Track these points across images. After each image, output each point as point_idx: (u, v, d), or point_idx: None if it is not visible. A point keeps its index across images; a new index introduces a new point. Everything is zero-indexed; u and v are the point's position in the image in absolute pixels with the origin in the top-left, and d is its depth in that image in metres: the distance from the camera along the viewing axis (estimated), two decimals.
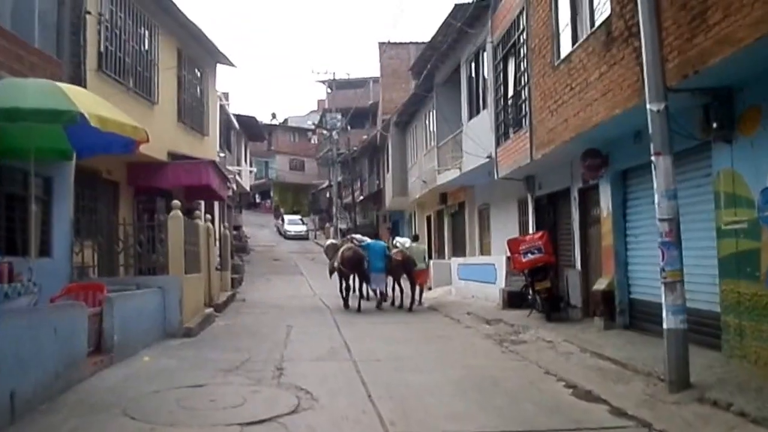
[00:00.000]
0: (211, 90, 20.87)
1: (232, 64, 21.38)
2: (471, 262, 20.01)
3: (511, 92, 15.92)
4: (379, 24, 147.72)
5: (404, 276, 18.52)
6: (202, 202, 23.21)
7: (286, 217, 57.60)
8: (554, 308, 13.83)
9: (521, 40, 14.84)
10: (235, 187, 32.00)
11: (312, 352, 10.84)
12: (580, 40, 11.32)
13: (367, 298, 18.63)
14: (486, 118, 18.04)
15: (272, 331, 13.40)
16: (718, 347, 8.61)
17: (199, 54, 19.51)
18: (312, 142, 73.78)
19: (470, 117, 19.77)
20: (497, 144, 16.82)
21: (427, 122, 26.57)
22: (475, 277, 18.82)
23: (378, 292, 18.27)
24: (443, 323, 15.25)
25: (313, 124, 63.49)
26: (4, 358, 5.82)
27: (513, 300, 16.16)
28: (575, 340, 11.36)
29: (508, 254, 15.01)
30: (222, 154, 25.39)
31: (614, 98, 9.91)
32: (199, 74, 19.69)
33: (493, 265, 17.44)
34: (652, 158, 7.82)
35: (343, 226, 47.46)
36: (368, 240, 19.35)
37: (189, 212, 17.80)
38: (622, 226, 12.11)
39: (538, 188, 16.34)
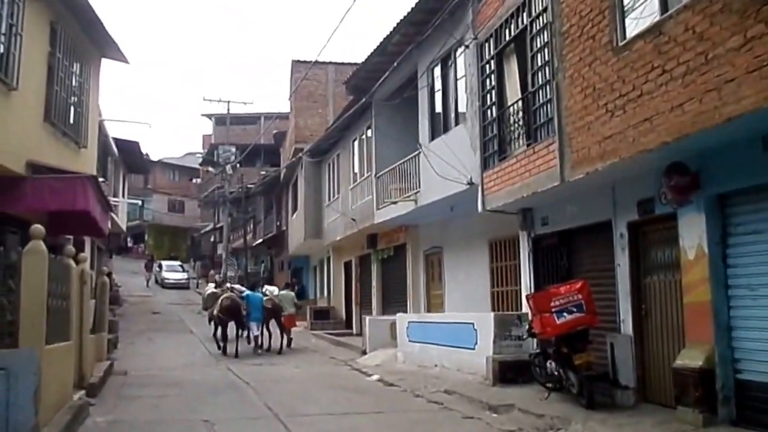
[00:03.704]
0: (93, 90, 15.88)
1: (124, 60, 16.52)
2: (432, 320, 15.77)
3: (513, 96, 12.07)
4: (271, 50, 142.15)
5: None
6: (71, 239, 17.96)
7: (164, 263, 51.65)
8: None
9: (537, 26, 11.09)
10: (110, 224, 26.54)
11: None
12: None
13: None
14: (462, 134, 14.13)
15: None
16: None
17: (80, 39, 14.64)
18: (194, 181, 68.17)
19: (433, 136, 15.81)
20: (484, 166, 12.89)
21: (355, 149, 22.46)
22: (440, 340, 14.62)
23: (253, 338, 19.67)
24: (423, 409, 10.94)
25: (202, 156, 58.08)
26: None
27: (508, 373, 12.16)
28: None
29: (530, 313, 10.96)
30: (102, 179, 20.22)
31: None
32: (78, 66, 14.79)
33: (472, 324, 13.31)
34: None
35: (231, 273, 42.24)
36: (247, 291, 21.10)
37: (56, 249, 13.03)
38: (721, 274, 8.36)
39: (540, 224, 12.51)
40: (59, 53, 13.32)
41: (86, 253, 21.17)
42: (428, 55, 15.64)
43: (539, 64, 11.03)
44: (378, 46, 16.60)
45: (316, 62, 25.53)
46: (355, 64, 24.53)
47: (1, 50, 10.85)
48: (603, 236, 10.66)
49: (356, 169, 22.52)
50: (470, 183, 13.37)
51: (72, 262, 10.94)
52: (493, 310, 15.09)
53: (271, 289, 21.89)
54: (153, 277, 48.86)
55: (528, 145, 11.31)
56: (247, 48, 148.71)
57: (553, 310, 9.90)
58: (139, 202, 47.40)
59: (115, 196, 30.29)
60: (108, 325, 17.50)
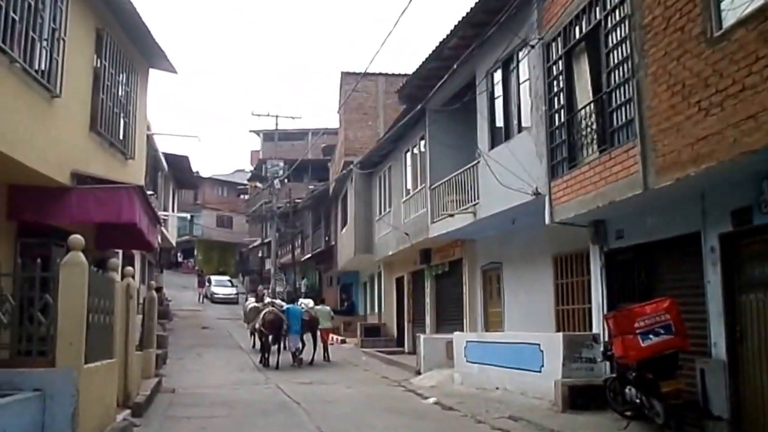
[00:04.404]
0: (140, 100, 15.30)
1: (173, 70, 15.94)
2: (492, 340, 14.77)
3: (584, 99, 11.13)
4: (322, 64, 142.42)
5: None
6: (120, 253, 17.43)
7: (214, 278, 51.66)
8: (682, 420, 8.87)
9: (612, 21, 10.16)
10: (159, 238, 26.06)
11: None
12: None
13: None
14: (526, 142, 13.19)
15: None
16: None
17: (127, 47, 14.10)
18: (242, 197, 68.21)
19: (493, 145, 14.90)
20: (552, 175, 11.96)
21: (408, 161, 21.63)
22: (502, 361, 13.65)
23: (294, 350, 20.08)
24: None
25: (251, 171, 57.96)
26: None
27: (578, 399, 11.12)
28: None
29: (609, 334, 9.96)
30: (151, 193, 19.74)
31: None
32: (125, 75, 14.24)
33: (538, 345, 12.33)
34: None
35: (280, 288, 41.77)
36: (287, 305, 21.50)
37: (101, 263, 12.38)
38: None
39: (614, 237, 11.50)
40: (105, 61, 12.77)
41: (136, 267, 20.75)
42: (488, 59, 14.76)
43: (615, 62, 10.07)
44: (433, 51, 15.72)
45: (366, 73, 24.80)
46: (406, 74, 23.79)
47: (44, 55, 10.28)
48: (689, 250, 9.62)
49: (409, 182, 21.66)
50: (536, 193, 12.41)
51: (116, 276, 10.29)
52: (558, 329, 14.12)
53: (306, 302, 22.65)
54: (205, 292, 48.70)
55: (602, 151, 10.33)
56: (294, 60, 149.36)
57: (638, 331, 8.88)
58: (189, 216, 47.23)
59: (164, 210, 30.04)
60: (157, 340, 16.90)
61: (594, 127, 10.72)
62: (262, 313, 20.12)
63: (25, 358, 7.56)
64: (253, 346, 20.91)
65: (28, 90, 9.39)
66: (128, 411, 10.42)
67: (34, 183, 10.44)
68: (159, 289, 36.35)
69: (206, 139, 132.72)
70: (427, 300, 21.90)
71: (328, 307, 23.82)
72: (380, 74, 29.23)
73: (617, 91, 10.04)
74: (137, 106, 15.10)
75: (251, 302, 24.87)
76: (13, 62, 8.81)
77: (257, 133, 59.51)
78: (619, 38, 9.98)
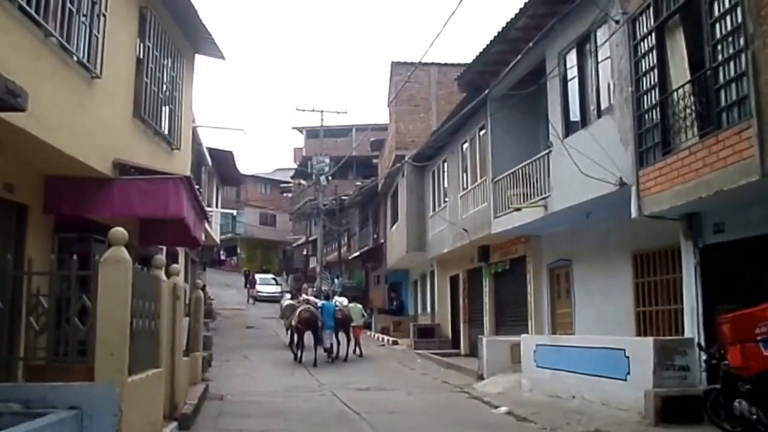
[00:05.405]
0: (186, 87, 14.50)
1: (220, 56, 15.14)
2: (567, 344, 13.61)
3: (680, 77, 9.96)
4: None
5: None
6: (164, 249, 16.68)
7: (258, 277, 51.08)
8: None
9: None
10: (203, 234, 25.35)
11: None
12: None
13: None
14: (607, 127, 12.06)
15: None
16: None
17: (173, 30, 13.32)
18: (285, 195, 67.66)
19: (567, 132, 13.75)
20: (640, 163, 10.80)
21: (466, 153, 20.54)
22: (578, 367, 12.48)
23: (328, 346, 20.85)
24: None
25: (295, 169, 57.34)
26: None
27: (672, 410, 9.95)
28: None
29: (724, 339, 8.80)
30: (196, 186, 18.89)
31: None
32: (170, 60, 13.44)
33: (623, 350, 11.17)
34: None
35: (325, 287, 40.99)
36: (320, 302, 22.01)
37: (145, 261, 11.53)
38: None
39: (712, 232, 10.33)
40: (149, 42, 11.96)
41: (180, 265, 20.03)
42: (560, 39, 13.63)
43: (722, 33, 8.91)
44: (499, 33, 14.62)
45: (419, 63, 23.62)
46: (461, 64, 22.72)
47: (83, 32, 9.41)
48: None
49: (467, 175, 20.56)
50: (621, 183, 11.26)
51: (162, 275, 9.41)
52: (639, 332, 13.04)
53: (341, 300, 23.49)
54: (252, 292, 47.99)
55: (705, 134, 9.17)
56: (340, 50, 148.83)
57: (759, 338, 7.76)
58: (234, 212, 46.66)
59: (208, 206, 29.36)
60: (202, 341, 16.07)
61: (695, 107, 9.55)
62: (298, 310, 20.77)
63: (60, 365, 6.75)
64: (290, 344, 21.39)
65: (65, 68, 8.58)
66: (175, 424, 9.56)
67: (72, 173, 9.64)
68: (203, 288, 35.91)
69: (246, 138, 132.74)
70: (486, 300, 20.79)
71: (360, 306, 24.72)
72: (433, 64, 27.93)
73: (725, 66, 8.88)
74: (183, 93, 14.31)
75: (287, 299, 25.54)
76: (48, 36, 7.98)
77: (300, 129, 58.81)
78: (726, 6, 8.82)
